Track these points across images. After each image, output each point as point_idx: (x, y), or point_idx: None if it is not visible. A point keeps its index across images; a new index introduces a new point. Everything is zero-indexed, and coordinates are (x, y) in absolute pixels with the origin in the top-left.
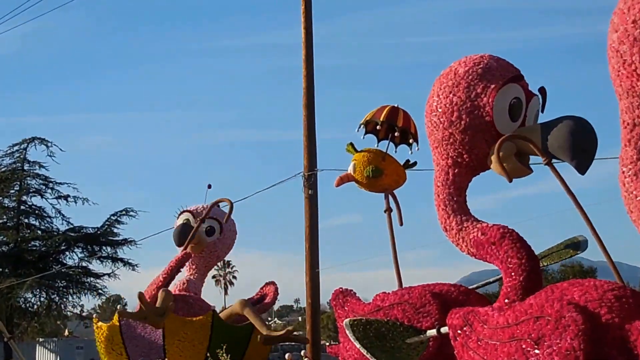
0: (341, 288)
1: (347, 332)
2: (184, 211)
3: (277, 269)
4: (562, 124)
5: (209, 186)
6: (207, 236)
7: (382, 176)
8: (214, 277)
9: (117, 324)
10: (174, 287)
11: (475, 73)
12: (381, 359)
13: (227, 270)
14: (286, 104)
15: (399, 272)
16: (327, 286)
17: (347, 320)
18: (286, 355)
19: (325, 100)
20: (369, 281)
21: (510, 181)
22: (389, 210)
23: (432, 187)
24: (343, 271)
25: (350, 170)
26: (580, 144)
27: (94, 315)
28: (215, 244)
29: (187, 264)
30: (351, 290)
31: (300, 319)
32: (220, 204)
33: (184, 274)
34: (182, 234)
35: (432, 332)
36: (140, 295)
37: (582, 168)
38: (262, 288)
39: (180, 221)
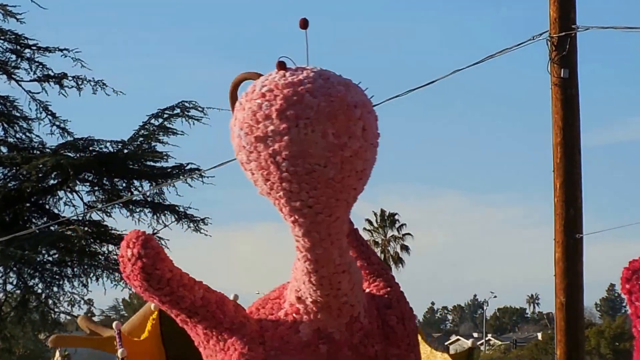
0: None
1: None
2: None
3: (491, 230)
4: None
5: None
6: None
7: None
8: None
9: None
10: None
11: None
12: None
13: (391, 233)
14: None
15: None
16: (596, 269)
17: None
18: None
19: None
20: None
21: None
22: None
23: None
24: (630, 240)
25: None
26: None
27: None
28: None
29: None
30: None
31: (539, 335)
32: None
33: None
34: None
35: None
36: None
37: None
38: None
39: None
